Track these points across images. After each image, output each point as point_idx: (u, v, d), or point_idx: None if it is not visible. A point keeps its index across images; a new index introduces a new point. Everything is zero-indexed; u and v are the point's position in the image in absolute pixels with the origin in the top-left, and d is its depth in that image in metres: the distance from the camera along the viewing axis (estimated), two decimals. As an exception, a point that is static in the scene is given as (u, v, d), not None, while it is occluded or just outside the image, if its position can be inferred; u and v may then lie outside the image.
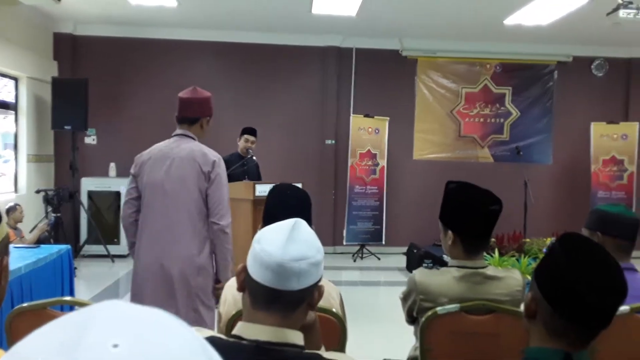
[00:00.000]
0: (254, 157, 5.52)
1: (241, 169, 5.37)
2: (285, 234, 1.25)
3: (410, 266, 6.69)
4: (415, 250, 6.82)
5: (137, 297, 2.87)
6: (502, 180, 7.92)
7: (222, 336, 1.29)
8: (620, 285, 1.22)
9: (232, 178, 5.11)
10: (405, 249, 7.19)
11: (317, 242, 1.29)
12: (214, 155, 2.87)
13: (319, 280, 1.30)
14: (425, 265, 5.97)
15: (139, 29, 7.64)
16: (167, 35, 7.74)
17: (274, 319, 1.24)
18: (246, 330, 1.25)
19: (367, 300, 5.92)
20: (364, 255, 7.82)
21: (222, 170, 2.86)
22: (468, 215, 2.04)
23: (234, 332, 1.27)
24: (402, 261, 7.08)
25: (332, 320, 2.00)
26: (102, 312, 0.46)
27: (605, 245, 2.11)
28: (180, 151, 2.83)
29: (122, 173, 7.52)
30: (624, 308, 1.95)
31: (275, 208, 1.98)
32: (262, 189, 4.53)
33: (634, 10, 4.55)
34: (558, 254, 1.25)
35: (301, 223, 1.30)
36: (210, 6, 6.66)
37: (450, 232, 2.08)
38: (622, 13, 4.52)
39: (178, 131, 2.93)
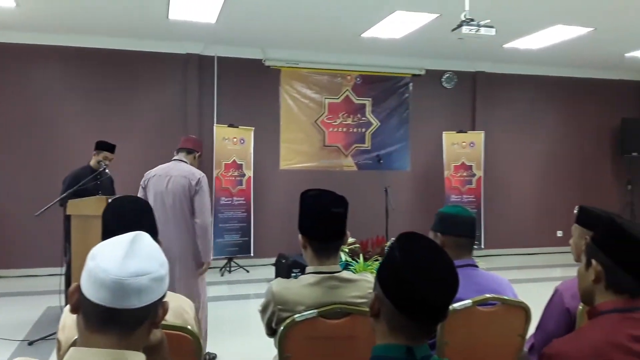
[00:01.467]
0: (108, 171, 5.25)
1: (93, 183, 5.02)
2: (124, 249, 1.16)
3: (280, 276, 6.64)
4: (283, 260, 6.80)
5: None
6: (366, 187, 8.24)
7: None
8: (453, 281, 1.27)
9: (84, 193, 4.78)
10: (274, 260, 7.15)
11: (160, 256, 1.21)
12: (199, 173, 4.09)
13: (163, 297, 1.22)
14: (294, 274, 6.04)
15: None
16: (4, 38, 7.04)
17: (110, 341, 1.14)
18: (78, 355, 1.14)
19: (236, 314, 5.80)
20: (232, 269, 7.67)
21: (204, 184, 4.08)
22: (312, 219, 2.09)
23: (65, 359, 1.15)
24: (271, 272, 7.04)
25: (186, 337, 1.90)
26: None
27: (447, 244, 2.23)
28: (176, 171, 4.10)
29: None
30: (466, 302, 2.06)
31: (113, 222, 1.86)
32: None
33: (475, 27, 4.89)
34: (395, 253, 1.29)
35: (142, 236, 1.21)
36: (54, 7, 6.11)
37: (301, 237, 2.11)
38: (464, 29, 4.83)
39: (176, 157, 4.26)
